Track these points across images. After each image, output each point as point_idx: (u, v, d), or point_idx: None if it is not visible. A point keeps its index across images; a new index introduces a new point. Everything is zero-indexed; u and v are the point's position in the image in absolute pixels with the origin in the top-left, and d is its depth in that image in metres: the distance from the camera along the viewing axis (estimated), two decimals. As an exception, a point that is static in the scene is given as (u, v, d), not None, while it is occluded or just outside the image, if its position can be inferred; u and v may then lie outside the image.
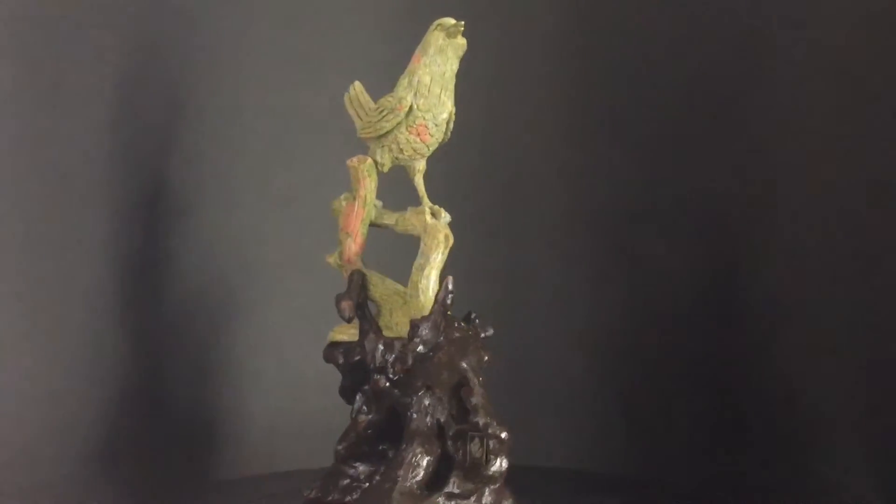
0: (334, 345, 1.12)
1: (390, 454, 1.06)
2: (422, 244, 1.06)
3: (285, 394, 1.40)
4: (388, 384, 1.05)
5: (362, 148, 1.11)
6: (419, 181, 1.09)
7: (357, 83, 1.13)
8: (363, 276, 1.09)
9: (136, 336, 1.32)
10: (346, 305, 1.08)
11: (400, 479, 1.00)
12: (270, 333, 1.41)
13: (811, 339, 1.23)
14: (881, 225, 1.15)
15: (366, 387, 1.08)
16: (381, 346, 1.07)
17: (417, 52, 1.06)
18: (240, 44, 1.39)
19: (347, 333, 1.10)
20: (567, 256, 1.45)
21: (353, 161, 1.10)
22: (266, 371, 1.41)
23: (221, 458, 1.37)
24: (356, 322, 1.09)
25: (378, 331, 1.09)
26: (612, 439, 1.41)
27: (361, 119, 1.11)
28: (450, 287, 1.05)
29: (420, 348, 1.04)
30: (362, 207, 1.10)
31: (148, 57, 1.34)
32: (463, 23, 1.03)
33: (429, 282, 1.05)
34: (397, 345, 1.06)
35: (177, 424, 1.34)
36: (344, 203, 1.11)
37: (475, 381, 1.03)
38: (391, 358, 1.05)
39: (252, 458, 1.37)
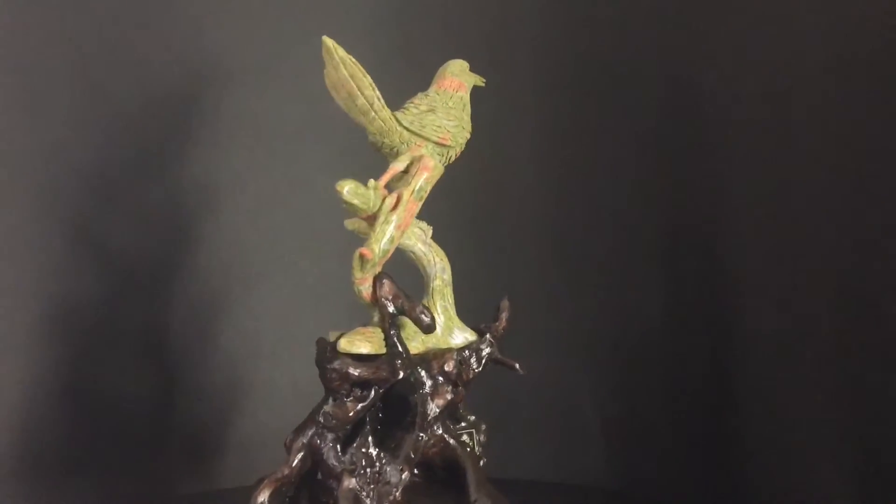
0: (353, 357, 0.97)
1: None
2: (438, 261, 1.05)
3: (264, 404, 1.39)
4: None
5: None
6: None
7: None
8: None
9: (110, 342, 1.32)
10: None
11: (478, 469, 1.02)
12: (249, 341, 1.40)
13: (792, 351, 1.23)
14: (859, 250, 1.16)
15: (439, 402, 1.00)
16: (470, 353, 1.03)
17: (463, 82, 1.07)
18: (220, 49, 1.39)
19: (368, 344, 0.98)
20: (544, 268, 1.45)
21: (430, 161, 1.01)
22: (244, 381, 1.40)
23: (196, 470, 1.37)
24: (366, 331, 0.99)
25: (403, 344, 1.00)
26: (589, 451, 1.41)
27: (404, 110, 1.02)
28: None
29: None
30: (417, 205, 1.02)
31: (129, 63, 1.34)
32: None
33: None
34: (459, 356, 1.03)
35: (150, 435, 1.33)
36: (374, 190, 0.97)
37: None
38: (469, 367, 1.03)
39: (226, 470, 1.36)
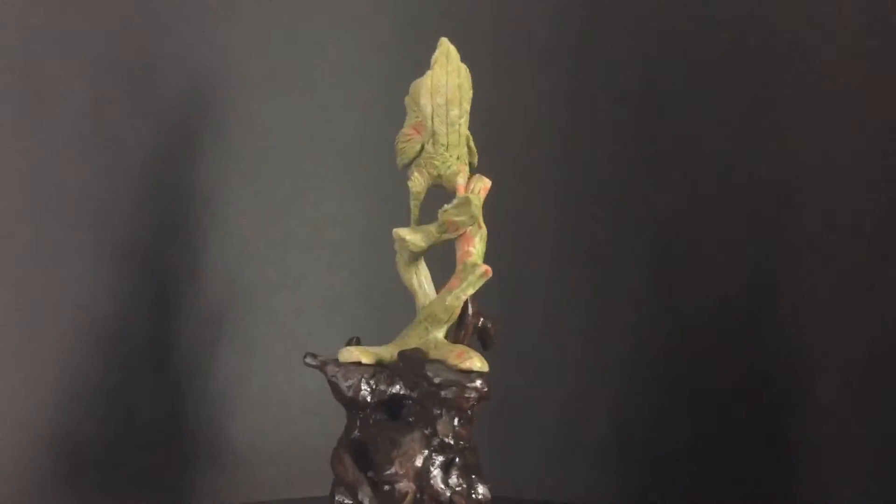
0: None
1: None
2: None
3: (274, 417, 1.38)
4: None
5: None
6: None
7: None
8: None
9: (114, 354, 1.31)
10: None
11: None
12: (253, 354, 1.39)
13: (819, 366, 1.21)
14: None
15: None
16: None
17: None
18: (229, 58, 1.39)
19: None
20: (556, 283, 1.41)
21: (486, 179, 1.01)
22: (248, 394, 1.39)
23: (197, 485, 1.35)
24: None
25: None
26: (603, 472, 1.38)
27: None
28: None
29: None
30: None
31: (138, 72, 1.34)
32: None
33: None
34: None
35: (152, 448, 1.32)
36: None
37: None
38: None
39: (229, 485, 1.35)
